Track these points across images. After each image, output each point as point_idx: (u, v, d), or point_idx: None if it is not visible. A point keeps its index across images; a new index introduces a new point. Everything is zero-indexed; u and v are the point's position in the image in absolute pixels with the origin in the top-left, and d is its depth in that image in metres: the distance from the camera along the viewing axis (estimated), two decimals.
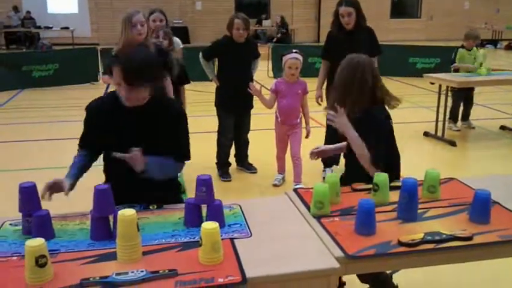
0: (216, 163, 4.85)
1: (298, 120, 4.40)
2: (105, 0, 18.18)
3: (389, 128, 2.48)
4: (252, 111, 4.91)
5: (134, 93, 2.17)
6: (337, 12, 4.49)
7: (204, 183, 1.93)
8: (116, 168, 2.23)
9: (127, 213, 1.64)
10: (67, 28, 16.75)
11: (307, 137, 4.40)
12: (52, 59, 10.12)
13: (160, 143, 2.26)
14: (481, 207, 1.94)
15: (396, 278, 2.85)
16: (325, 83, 4.67)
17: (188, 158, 2.41)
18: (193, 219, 1.91)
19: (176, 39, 4.62)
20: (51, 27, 16.94)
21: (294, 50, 4.28)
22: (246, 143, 4.97)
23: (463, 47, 6.65)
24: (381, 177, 2.15)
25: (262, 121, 5.38)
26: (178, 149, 2.34)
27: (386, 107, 2.50)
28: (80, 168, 2.31)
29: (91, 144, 2.37)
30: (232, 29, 4.48)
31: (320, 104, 4.54)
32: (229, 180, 4.75)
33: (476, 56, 6.52)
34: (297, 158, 4.37)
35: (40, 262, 1.51)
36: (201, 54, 4.72)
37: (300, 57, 4.26)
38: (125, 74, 2.12)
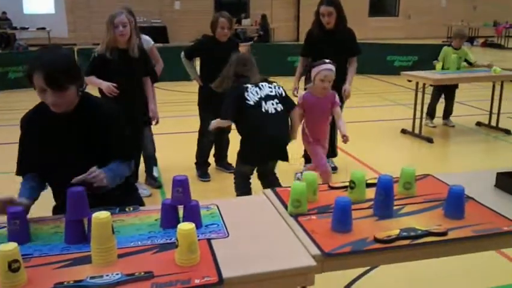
0: (195, 163, 4.83)
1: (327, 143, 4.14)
2: (82, 0, 17.99)
3: (239, 103, 3.39)
4: None
5: (61, 97, 2.03)
6: (318, 12, 4.52)
7: (180, 184, 1.91)
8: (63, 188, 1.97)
9: (101, 215, 1.62)
10: (43, 29, 16.51)
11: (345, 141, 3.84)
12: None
13: (98, 147, 2.15)
14: (455, 202, 1.96)
15: (374, 275, 2.88)
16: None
17: (131, 157, 2.30)
18: (170, 220, 1.90)
19: (145, 37, 4.55)
20: (27, 28, 16.68)
21: (327, 60, 3.84)
22: (227, 143, 4.94)
23: (450, 45, 6.74)
24: (357, 174, 2.16)
25: None
26: (121, 150, 2.24)
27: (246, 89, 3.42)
28: (31, 189, 2.11)
29: (32, 166, 2.19)
30: (217, 28, 4.42)
31: (295, 96, 4.56)
32: (208, 181, 4.74)
33: (468, 56, 6.66)
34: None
35: (13, 267, 1.49)
36: (182, 53, 4.66)
37: (334, 69, 3.84)
38: (48, 77, 1.97)
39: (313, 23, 4.68)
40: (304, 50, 4.83)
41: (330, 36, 4.53)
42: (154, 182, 4.56)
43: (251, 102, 3.36)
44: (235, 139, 4.97)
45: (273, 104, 3.40)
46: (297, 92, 4.66)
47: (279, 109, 3.41)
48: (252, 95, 3.38)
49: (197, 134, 4.81)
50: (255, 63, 3.63)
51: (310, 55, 4.63)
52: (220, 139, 4.87)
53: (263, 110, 3.35)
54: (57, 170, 2.16)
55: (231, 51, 4.62)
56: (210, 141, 4.80)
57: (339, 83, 4.54)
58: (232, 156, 5.00)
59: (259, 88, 3.44)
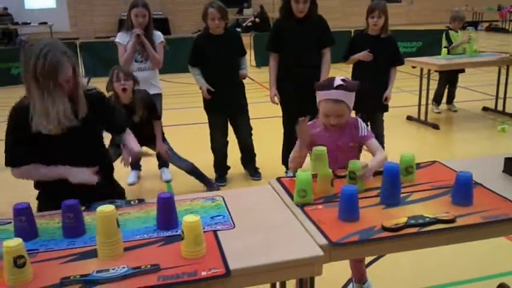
0: (213, 166, 4.52)
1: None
2: None
3: None
4: (255, 100, 4.63)
5: None
6: None
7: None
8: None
9: (106, 209, 1.61)
10: (45, 23, 16.48)
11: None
12: None
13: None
14: (462, 189, 1.94)
15: (383, 263, 2.87)
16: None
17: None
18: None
19: (157, 33, 4.37)
20: (29, 23, 16.63)
21: (337, 80, 2.32)
22: (247, 147, 4.52)
23: (449, 29, 6.69)
24: (356, 165, 2.12)
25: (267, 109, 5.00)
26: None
27: None
28: None
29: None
30: (207, 20, 4.04)
31: (277, 103, 4.21)
32: (223, 185, 4.38)
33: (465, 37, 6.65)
34: None
35: (19, 263, 1.48)
36: (189, 66, 4.27)
37: (347, 96, 2.32)
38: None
39: (280, 9, 4.09)
40: (272, 44, 4.18)
41: (299, 25, 3.98)
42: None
43: None
44: (260, 144, 4.64)
45: None
46: (279, 99, 4.19)
47: None
48: None
49: (201, 125, 4.61)
50: None
51: (279, 48, 4.13)
52: (239, 144, 4.52)
53: None
54: None
55: (230, 46, 4.18)
56: (221, 145, 4.45)
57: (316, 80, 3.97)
58: (261, 160, 4.67)
59: None
